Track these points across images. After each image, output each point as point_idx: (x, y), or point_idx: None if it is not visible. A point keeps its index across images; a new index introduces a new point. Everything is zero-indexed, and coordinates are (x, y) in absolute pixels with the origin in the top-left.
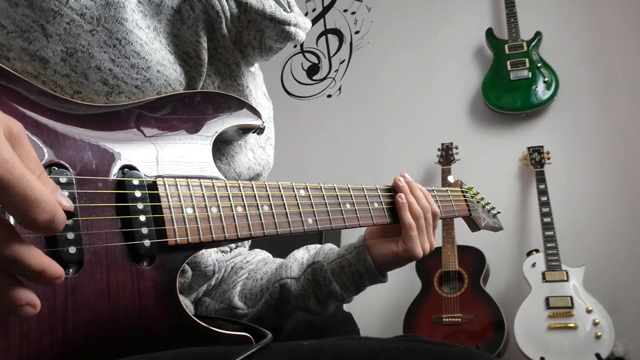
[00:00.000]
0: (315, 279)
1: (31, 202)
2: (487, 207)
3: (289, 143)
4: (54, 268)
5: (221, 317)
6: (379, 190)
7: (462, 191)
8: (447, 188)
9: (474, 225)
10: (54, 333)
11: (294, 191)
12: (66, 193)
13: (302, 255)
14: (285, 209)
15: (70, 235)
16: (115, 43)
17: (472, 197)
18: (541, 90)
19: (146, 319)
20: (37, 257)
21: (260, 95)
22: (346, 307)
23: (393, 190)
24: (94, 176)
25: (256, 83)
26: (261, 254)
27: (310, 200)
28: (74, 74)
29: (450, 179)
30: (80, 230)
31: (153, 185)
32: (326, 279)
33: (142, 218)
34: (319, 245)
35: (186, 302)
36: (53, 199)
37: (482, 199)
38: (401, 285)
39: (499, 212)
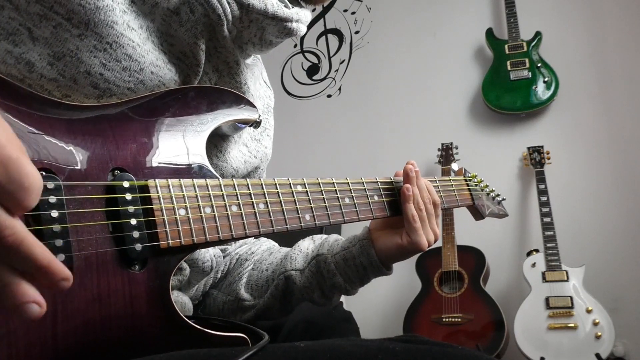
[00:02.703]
0: (319, 271)
1: (26, 190)
2: (492, 194)
3: (288, 143)
4: (61, 267)
5: (218, 318)
6: (379, 183)
7: (466, 180)
8: (450, 177)
9: (477, 214)
10: (44, 342)
11: (290, 187)
12: (54, 200)
13: (307, 246)
14: (282, 206)
15: (59, 243)
16: (106, 47)
17: (475, 185)
18: (541, 90)
19: (139, 323)
20: (44, 249)
21: (258, 86)
22: (346, 306)
23: (392, 183)
24: (83, 180)
25: (254, 76)
26: (266, 244)
27: (308, 196)
28: (62, 78)
29: (455, 166)
30: (69, 237)
31: (144, 188)
32: (330, 271)
33: (133, 222)
34: (324, 236)
35: (184, 300)
36: (40, 182)
37: (487, 186)
38: (401, 285)
39: (504, 199)
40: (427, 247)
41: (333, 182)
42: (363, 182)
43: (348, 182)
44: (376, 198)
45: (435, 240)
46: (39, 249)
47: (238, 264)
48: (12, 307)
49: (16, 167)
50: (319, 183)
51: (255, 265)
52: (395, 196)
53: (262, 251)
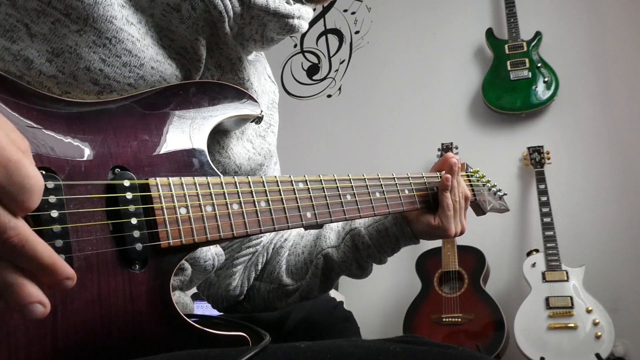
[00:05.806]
0: (355, 244)
1: (27, 191)
2: (493, 189)
3: (288, 143)
4: (65, 266)
5: (218, 317)
6: (380, 180)
7: (468, 175)
8: None
9: (479, 210)
10: (44, 342)
11: (292, 185)
12: (54, 200)
13: (335, 223)
14: (283, 204)
15: (59, 243)
16: (105, 42)
17: (477, 180)
18: (541, 90)
19: (139, 323)
20: (48, 249)
21: (263, 81)
22: (346, 306)
23: (394, 179)
24: (83, 179)
25: (257, 71)
26: (295, 229)
27: (310, 193)
28: (62, 75)
29: None
30: (69, 237)
31: (145, 186)
32: (365, 243)
33: (134, 221)
34: None
35: (186, 300)
36: (42, 183)
37: (489, 181)
38: (401, 285)
39: (505, 194)
40: (454, 235)
41: (335, 179)
42: (365, 179)
43: (350, 179)
44: (378, 195)
45: (462, 233)
46: (43, 249)
47: (275, 252)
48: (17, 307)
49: (17, 169)
50: (321, 180)
51: (290, 251)
52: (397, 193)
53: (293, 236)
